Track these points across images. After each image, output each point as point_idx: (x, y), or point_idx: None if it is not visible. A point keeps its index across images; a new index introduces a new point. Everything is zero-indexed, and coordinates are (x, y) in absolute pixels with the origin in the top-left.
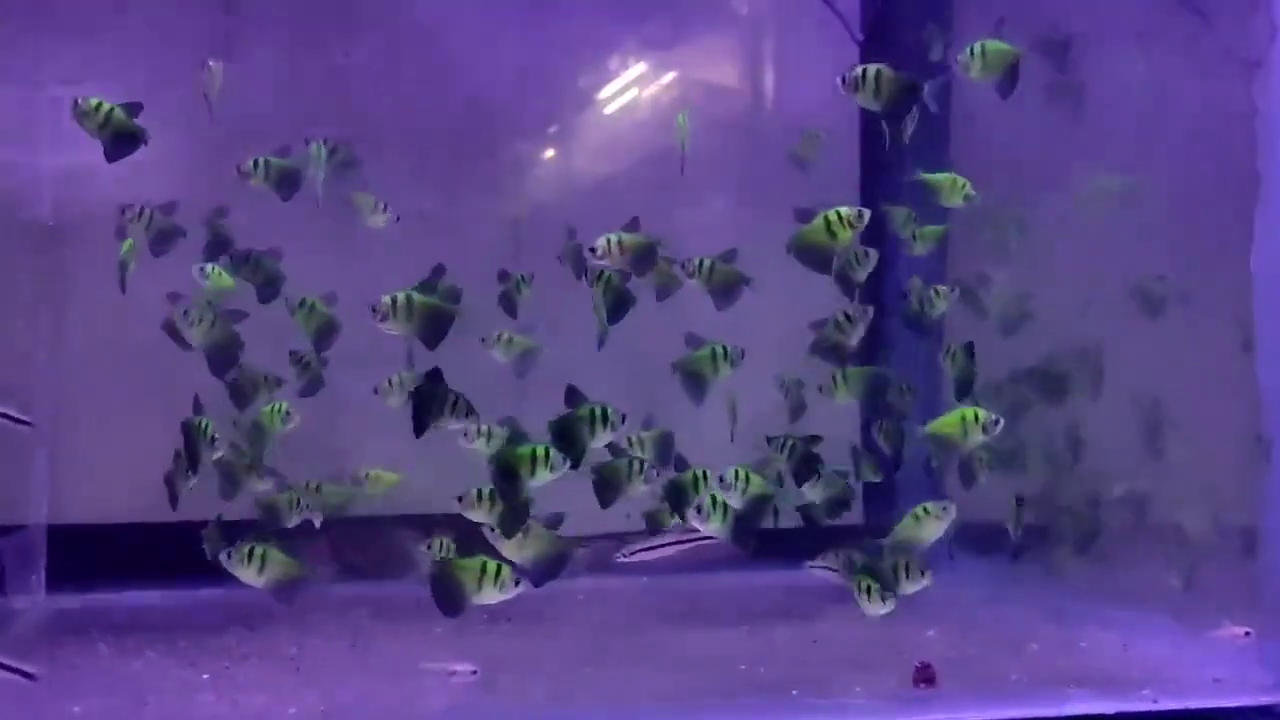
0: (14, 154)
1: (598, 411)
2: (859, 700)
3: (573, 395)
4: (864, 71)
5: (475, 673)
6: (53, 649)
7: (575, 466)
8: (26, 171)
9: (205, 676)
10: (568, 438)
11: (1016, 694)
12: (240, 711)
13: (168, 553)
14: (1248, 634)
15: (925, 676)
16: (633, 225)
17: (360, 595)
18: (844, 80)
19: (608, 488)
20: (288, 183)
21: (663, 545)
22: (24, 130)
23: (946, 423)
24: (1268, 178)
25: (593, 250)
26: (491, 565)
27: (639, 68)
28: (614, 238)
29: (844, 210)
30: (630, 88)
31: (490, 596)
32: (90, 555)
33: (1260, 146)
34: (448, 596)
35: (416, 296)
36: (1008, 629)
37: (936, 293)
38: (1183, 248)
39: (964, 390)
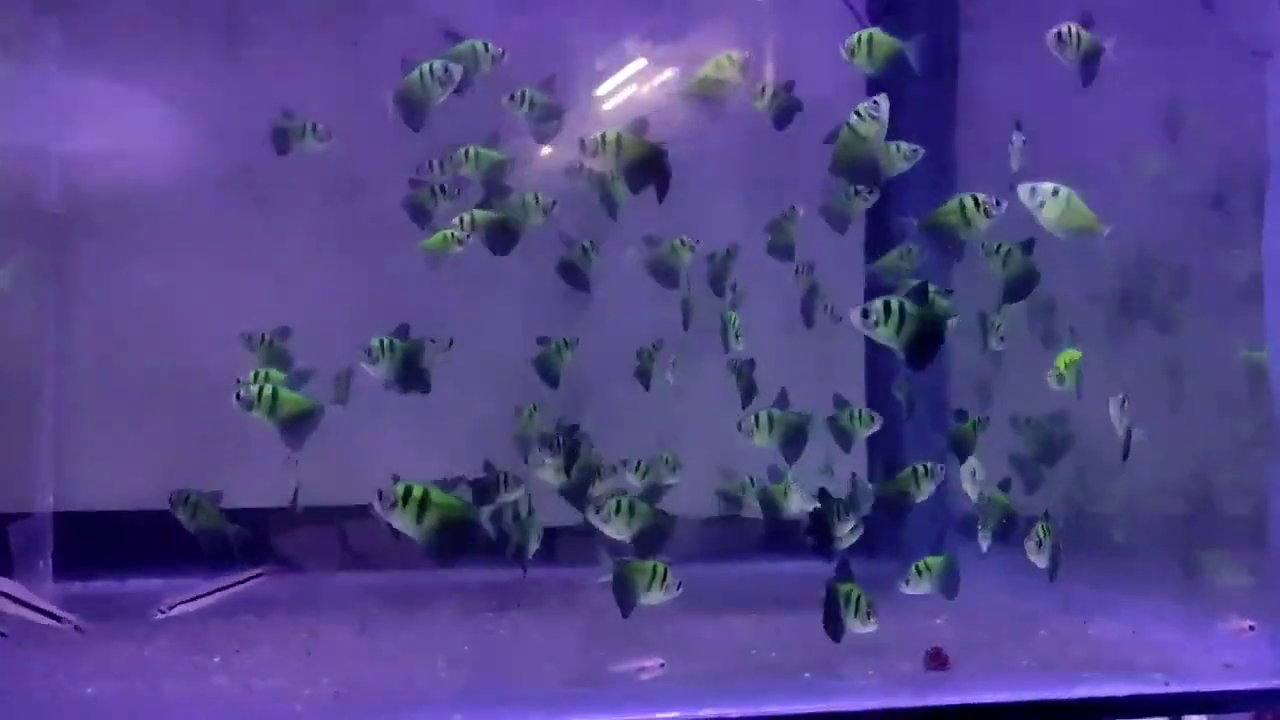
0: (22, 140)
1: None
2: (873, 683)
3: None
4: (859, 38)
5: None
6: (61, 634)
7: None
8: (34, 158)
9: (217, 660)
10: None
11: (1029, 678)
12: (254, 694)
13: (174, 539)
14: (1252, 628)
15: (938, 662)
16: (639, 127)
17: (367, 583)
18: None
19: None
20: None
21: (208, 593)
22: (32, 117)
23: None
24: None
25: (583, 145)
26: (660, 568)
27: (644, 58)
28: (613, 135)
29: (861, 108)
30: (635, 78)
31: (656, 598)
32: (97, 542)
33: (1272, 136)
34: (625, 596)
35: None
36: (1016, 616)
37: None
38: (1194, 236)
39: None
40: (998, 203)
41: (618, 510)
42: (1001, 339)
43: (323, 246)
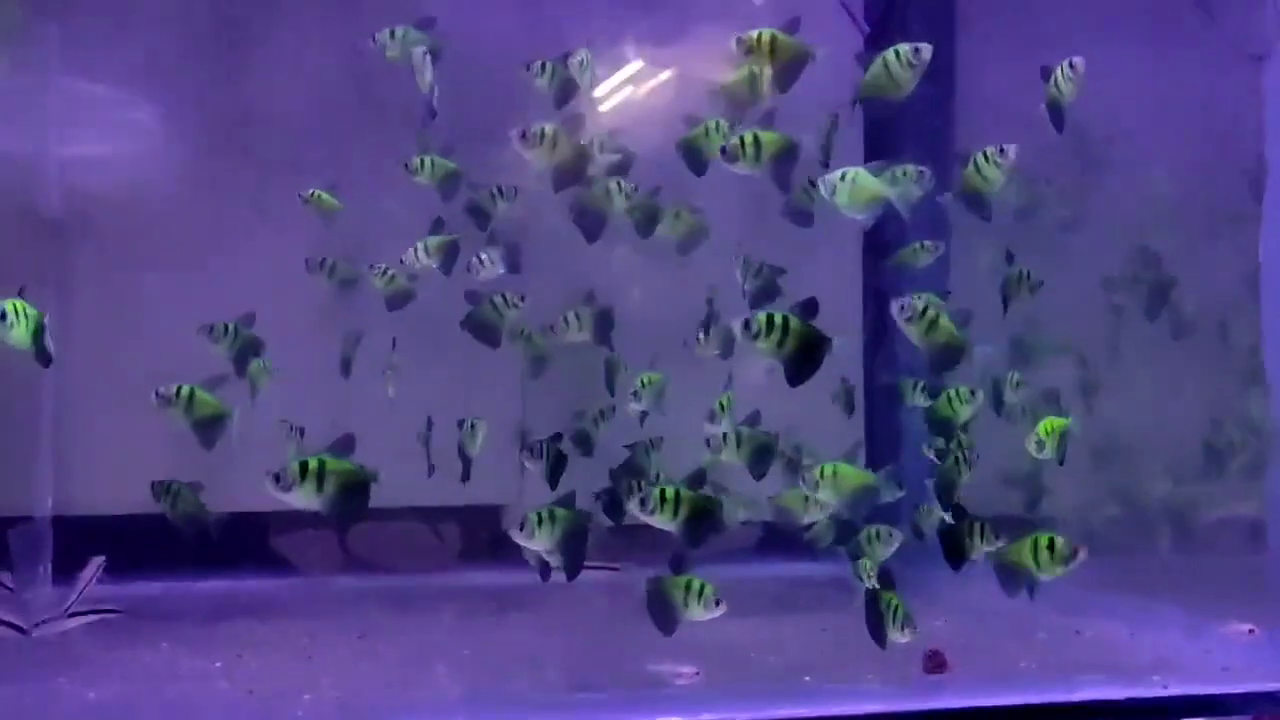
0: (21, 146)
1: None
2: (873, 686)
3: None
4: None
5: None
6: (61, 638)
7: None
8: (33, 164)
9: (218, 665)
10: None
11: (1028, 680)
12: (255, 698)
13: (174, 544)
14: (1251, 631)
15: (936, 664)
16: (575, 122)
17: (367, 587)
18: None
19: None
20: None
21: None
22: (31, 122)
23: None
24: (1275, 168)
25: (523, 135)
26: (696, 584)
27: (641, 60)
28: (550, 129)
29: (902, 48)
30: (631, 83)
31: (697, 614)
32: (96, 547)
33: (1269, 138)
34: (663, 613)
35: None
36: (1014, 618)
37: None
38: (1192, 238)
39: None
40: (1001, 150)
41: (663, 500)
42: (1018, 385)
43: (323, 251)
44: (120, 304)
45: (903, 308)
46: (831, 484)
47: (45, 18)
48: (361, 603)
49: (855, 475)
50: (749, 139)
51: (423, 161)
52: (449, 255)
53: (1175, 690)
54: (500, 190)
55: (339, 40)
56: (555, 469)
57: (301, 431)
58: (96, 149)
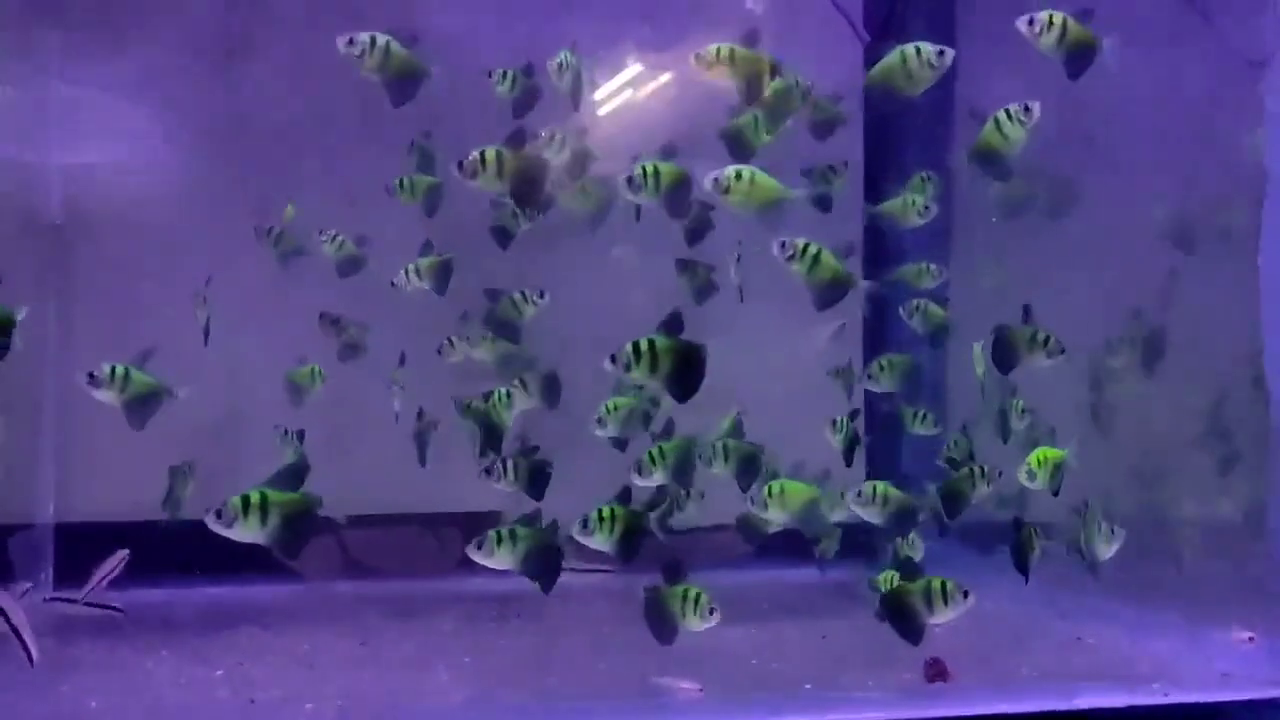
0: (23, 153)
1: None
2: (874, 694)
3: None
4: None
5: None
6: (62, 646)
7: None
8: (35, 170)
9: (219, 673)
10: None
11: (1028, 688)
12: (258, 707)
13: (175, 552)
14: (1251, 639)
15: (937, 672)
16: (516, 138)
17: (368, 594)
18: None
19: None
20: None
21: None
22: (33, 129)
23: None
24: (1275, 175)
25: (460, 166)
26: (693, 592)
27: (639, 68)
28: (493, 152)
29: (1012, 108)
30: (630, 88)
31: (694, 625)
32: (97, 554)
33: (1270, 145)
34: (661, 624)
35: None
36: (1013, 625)
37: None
38: (1189, 246)
39: None
40: (1026, 108)
41: (600, 520)
42: (1024, 413)
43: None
44: (122, 310)
45: (783, 245)
46: (779, 501)
47: (46, 27)
48: (362, 609)
49: (802, 490)
50: (650, 169)
51: (402, 182)
52: (441, 276)
53: (1176, 698)
54: (523, 210)
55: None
56: (535, 481)
57: (300, 435)
58: (98, 155)
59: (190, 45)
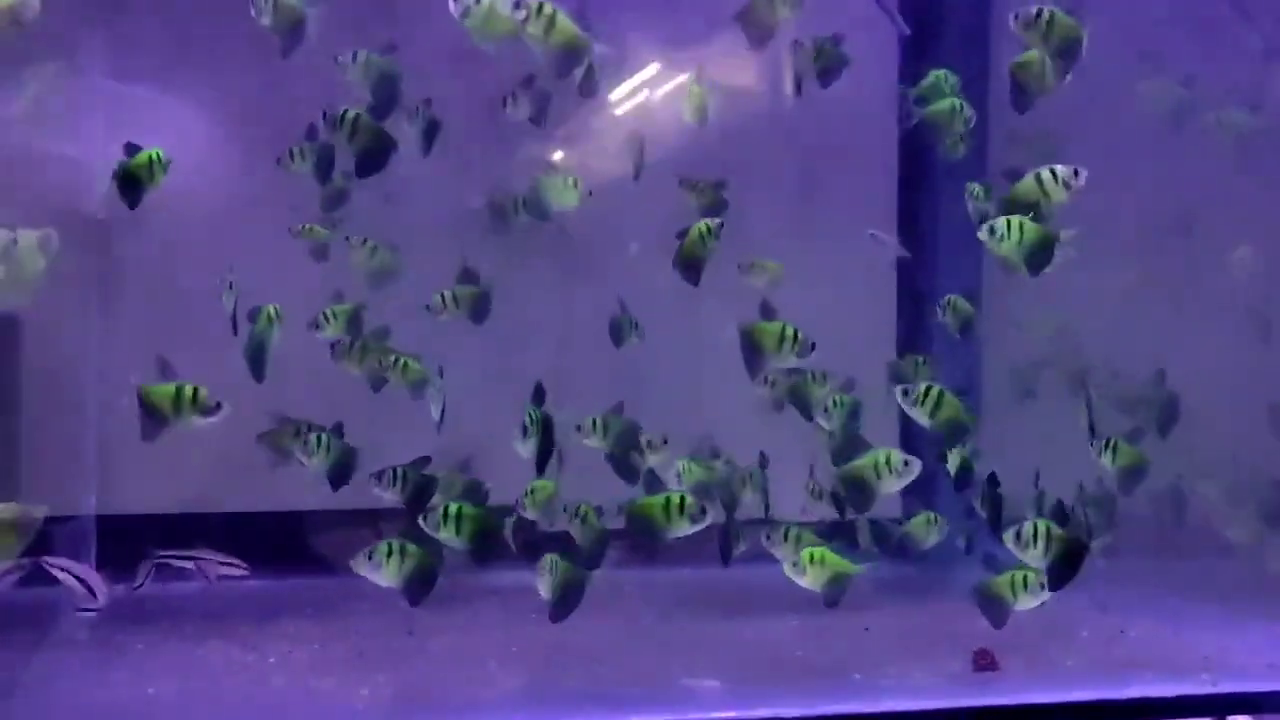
0: (65, 147)
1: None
2: (925, 682)
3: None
4: None
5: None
6: (110, 635)
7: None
8: (77, 165)
9: (271, 660)
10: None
11: (1076, 678)
12: (314, 694)
13: (215, 543)
14: None
15: (986, 663)
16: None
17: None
18: None
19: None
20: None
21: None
22: (74, 124)
23: None
24: None
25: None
26: (676, 498)
27: (667, 60)
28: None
29: (1059, 169)
30: (662, 85)
31: (681, 528)
32: (139, 545)
33: None
34: (646, 535)
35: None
36: (1055, 617)
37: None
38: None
39: None
40: (1076, 173)
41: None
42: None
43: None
44: (166, 305)
45: (906, 392)
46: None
47: (89, 21)
48: (401, 600)
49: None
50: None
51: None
52: (479, 307)
53: (1223, 688)
54: (524, 201)
55: (383, 43)
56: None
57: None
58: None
59: (233, 37)
